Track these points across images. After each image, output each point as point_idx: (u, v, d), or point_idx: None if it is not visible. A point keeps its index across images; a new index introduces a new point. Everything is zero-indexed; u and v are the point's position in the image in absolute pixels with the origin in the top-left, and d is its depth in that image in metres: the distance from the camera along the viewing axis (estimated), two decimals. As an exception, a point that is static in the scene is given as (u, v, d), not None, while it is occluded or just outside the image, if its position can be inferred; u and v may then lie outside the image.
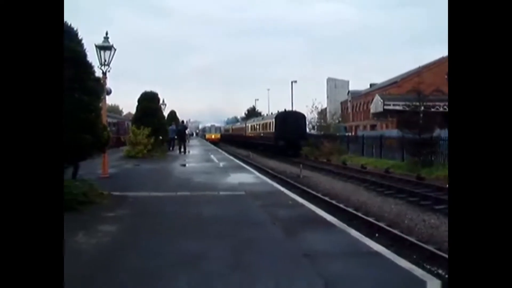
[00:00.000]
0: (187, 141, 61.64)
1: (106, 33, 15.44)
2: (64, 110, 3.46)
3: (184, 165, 21.57)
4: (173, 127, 35.53)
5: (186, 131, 64.69)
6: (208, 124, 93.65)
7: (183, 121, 38.81)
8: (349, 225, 8.22)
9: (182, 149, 32.15)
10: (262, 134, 48.70)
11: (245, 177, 16.32)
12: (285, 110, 47.74)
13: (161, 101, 33.77)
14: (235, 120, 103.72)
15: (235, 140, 68.78)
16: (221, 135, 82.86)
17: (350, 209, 13.48)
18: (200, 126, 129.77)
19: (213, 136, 79.94)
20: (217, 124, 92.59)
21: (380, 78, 79.05)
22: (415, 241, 9.48)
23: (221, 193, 11.85)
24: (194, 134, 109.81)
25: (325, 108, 67.18)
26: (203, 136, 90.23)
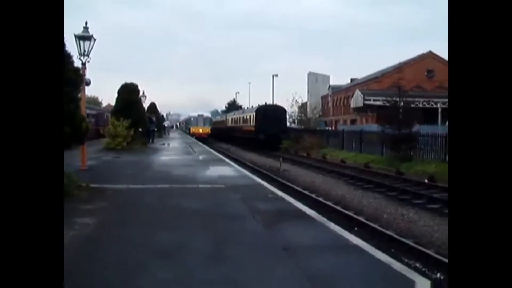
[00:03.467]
0: (167, 134, 61.48)
1: (86, 23, 15.22)
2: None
3: (164, 158, 21.46)
4: (154, 119, 35.30)
5: (165, 124, 63.79)
6: (194, 114, 69.24)
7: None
8: (328, 218, 8.25)
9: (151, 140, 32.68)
10: (242, 128, 48.61)
11: (225, 170, 16.31)
12: (265, 103, 47.75)
13: (141, 93, 33.46)
14: (216, 113, 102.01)
15: (215, 133, 68.29)
16: (211, 129, 64.50)
17: (329, 203, 13.54)
18: (182, 118, 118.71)
19: (200, 130, 61.27)
20: (205, 114, 70.49)
21: (362, 73, 79.29)
22: (394, 235, 9.56)
23: (200, 186, 11.81)
24: (175, 127, 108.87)
25: (306, 102, 67.29)
26: (187, 130, 70.97)
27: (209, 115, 74.90)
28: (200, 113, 68.40)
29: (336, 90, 74.38)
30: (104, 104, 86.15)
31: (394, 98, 25.36)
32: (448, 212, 3.62)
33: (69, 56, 10.34)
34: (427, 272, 7.28)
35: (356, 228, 10.05)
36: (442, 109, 41.44)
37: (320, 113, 64.32)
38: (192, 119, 67.08)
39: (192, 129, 62.99)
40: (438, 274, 7.20)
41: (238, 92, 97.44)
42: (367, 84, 59.85)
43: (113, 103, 34.42)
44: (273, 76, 65.86)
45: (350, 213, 11.96)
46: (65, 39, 10.09)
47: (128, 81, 31.02)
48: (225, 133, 58.86)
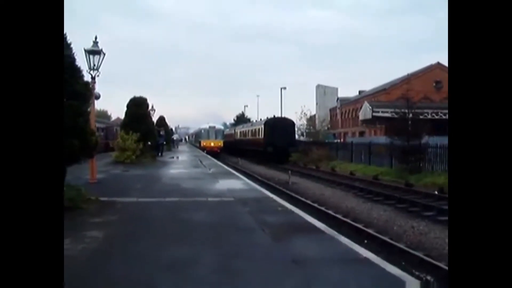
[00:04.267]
0: (176, 147, 61.58)
1: (96, 38, 15.38)
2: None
3: (173, 171, 21.50)
4: (162, 133, 35.44)
5: (174, 138, 63.35)
6: (205, 126, 60.16)
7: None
8: (338, 231, 8.21)
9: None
10: (251, 141, 48.59)
11: (234, 183, 16.29)
12: (274, 116, 47.77)
13: (150, 107, 33.56)
14: (224, 126, 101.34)
15: (224, 146, 67.69)
16: (224, 142, 57.79)
17: (339, 216, 13.48)
18: (191, 131, 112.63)
19: (212, 144, 54.42)
20: (217, 126, 61.97)
21: (369, 85, 79.09)
22: (404, 248, 9.48)
23: (209, 199, 11.80)
24: (184, 141, 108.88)
25: (314, 115, 67.24)
26: (197, 144, 64.34)
27: (221, 126, 65.89)
28: (212, 124, 60.16)
29: (345, 102, 74.37)
30: (113, 117, 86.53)
31: (402, 110, 25.27)
32: (448, 218, 3.59)
33: (78, 70, 10.41)
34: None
35: (366, 241, 9.97)
36: (451, 120, 41.23)
37: (329, 126, 64.18)
38: (202, 131, 59.11)
39: (203, 143, 55.94)
40: None
41: (247, 105, 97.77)
42: (375, 96, 59.83)
43: (122, 116, 34.57)
44: (281, 88, 66.01)
45: (360, 226, 11.88)
46: (75, 53, 10.20)
47: (137, 94, 31.19)
48: (233, 146, 58.79)
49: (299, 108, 69.39)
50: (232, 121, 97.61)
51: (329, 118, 72.31)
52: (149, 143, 29.61)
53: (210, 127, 58.56)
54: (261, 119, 54.39)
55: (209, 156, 39.49)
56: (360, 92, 76.76)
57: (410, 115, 24.96)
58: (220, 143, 55.69)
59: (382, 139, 32.04)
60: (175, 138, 72.55)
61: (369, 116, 48.48)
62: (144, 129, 28.17)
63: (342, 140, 57.34)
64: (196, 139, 72.42)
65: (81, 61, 12.19)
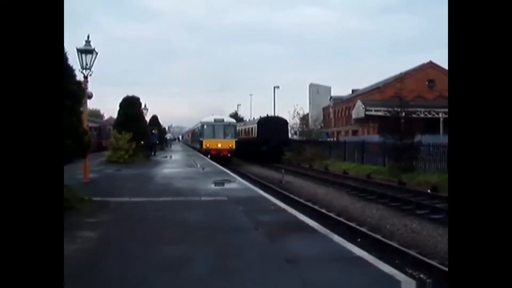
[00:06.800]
0: (169, 146, 61.44)
1: (88, 37, 15.30)
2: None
3: (166, 171, 21.45)
4: (155, 132, 35.36)
5: (167, 137, 62.73)
6: (208, 118, 40.69)
7: None
8: (331, 230, 8.23)
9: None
10: (244, 140, 48.49)
11: (228, 182, 16.26)
12: (267, 115, 47.72)
13: (143, 106, 33.41)
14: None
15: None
16: (236, 142, 39.25)
17: (332, 214, 13.51)
18: (186, 130, 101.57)
19: (219, 145, 37.80)
20: (227, 118, 42.45)
21: (362, 84, 79.17)
22: (397, 246, 9.52)
23: (203, 198, 11.79)
24: (177, 140, 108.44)
25: (307, 114, 67.34)
26: (197, 144, 44.03)
27: (233, 120, 44.60)
28: (218, 116, 41.44)
29: (338, 101, 74.45)
30: (106, 117, 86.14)
31: (395, 109, 25.36)
32: (448, 218, 3.60)
33: (71, 70, 10.37)
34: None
35: (359, 239, 10.01)
36: (444, 119, 41.50)
37: (322, 124, 64.27)
38: (205, 127, 39.79)
39: (206, 143, 38.34)
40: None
41: (240, 104, 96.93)
42: (368, 95, 59.92)
43: (114, 116, 34.41)
44: (274, 87, 65.98)
45: (353, 224, 11.92)
46: (67, 53, 10.15)
47: (130, 94, 31.01)
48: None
49: (292, 107, 69.32)
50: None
51: (322, 117, 72.43)
52: (142, 142, 29.49)
53: (216, 120, 40.04)
54: (254, 118, 54.23)
55: (201, 155, 36.29)
56: (353, 91, 76.87)
57: (403, 113, 25.04)
58: (231, 143, 38.73)
59: (375, 137, 32.16)
60: (168, 138, 72.41)
61: (362, 115, 48.62)
62: (137, 128, 28.05)
63: (335, 139, 57.45)
64: (194, 138, 54.62)
65: (73, 60, 12.14)
